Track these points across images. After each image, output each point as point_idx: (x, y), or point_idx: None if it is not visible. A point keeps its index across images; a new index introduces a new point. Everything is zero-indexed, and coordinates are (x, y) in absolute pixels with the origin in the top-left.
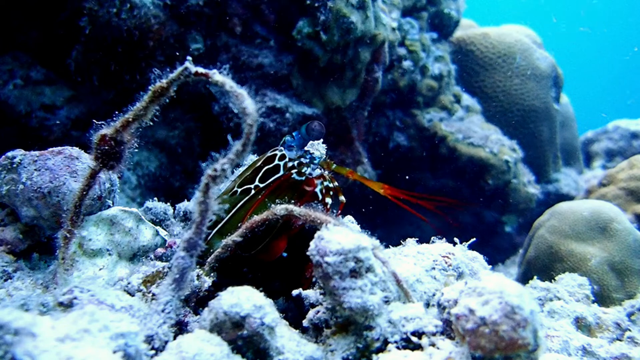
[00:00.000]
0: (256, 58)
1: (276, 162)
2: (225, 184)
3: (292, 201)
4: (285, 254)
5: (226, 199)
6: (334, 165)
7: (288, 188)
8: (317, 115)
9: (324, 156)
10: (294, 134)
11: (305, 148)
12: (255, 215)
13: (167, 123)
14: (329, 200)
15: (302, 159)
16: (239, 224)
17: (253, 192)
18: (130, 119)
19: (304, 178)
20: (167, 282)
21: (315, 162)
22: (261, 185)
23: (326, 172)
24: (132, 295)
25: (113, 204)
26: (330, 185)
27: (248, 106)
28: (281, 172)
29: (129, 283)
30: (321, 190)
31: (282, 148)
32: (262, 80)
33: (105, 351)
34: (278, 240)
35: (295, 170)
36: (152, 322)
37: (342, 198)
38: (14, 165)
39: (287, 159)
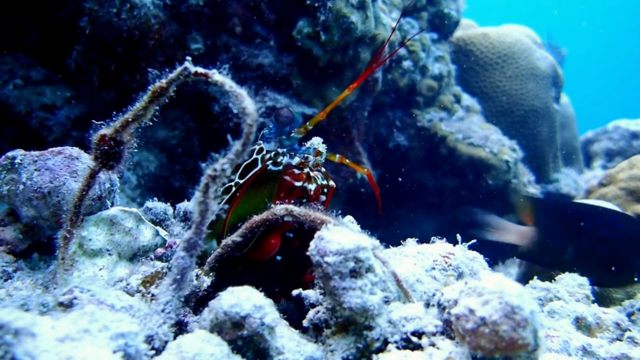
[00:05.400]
0: (256, 58)
1: (254, 156)
2: None
3: (274, 193)
4: (279, 257)
5: None
6: (325, 153)
7: (266, 180)
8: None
9: (325, 155)
10: (270, 125)
11: (307, 145)
12: (254, 215)
13: (167, 123)
14: (311, 186)
15: (278, 149)
16: (225, 223)
17: (234, 189)
18: (130, 119)
19: (281, 168)
20: (167, 282)
21: (298, 149)
22: (240, 182)
23: (311, 159)
24: (131, 295)
25: (113, 204)
26: (313, 174)
27: (248, 106)
28: (259, 166)
29: (128, 283)
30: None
31: (260, 142)
32: (262, 80)
33: (105, 351)
34: (269, 237)
35: (271, 161)
36: (152, 322)
37: (331, 183)
38: (14, 166)
39: (264, 152)
